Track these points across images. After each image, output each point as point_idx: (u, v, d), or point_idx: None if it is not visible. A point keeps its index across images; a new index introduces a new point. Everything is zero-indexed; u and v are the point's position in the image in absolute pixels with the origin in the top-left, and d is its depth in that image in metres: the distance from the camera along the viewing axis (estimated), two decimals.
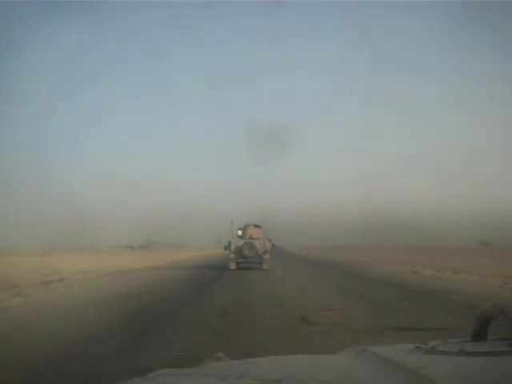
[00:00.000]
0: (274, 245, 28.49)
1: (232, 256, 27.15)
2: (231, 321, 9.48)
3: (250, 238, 27.30)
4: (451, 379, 1.00)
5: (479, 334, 1.32)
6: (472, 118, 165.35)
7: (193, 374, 1.20)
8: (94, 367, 5.95)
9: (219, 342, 7.28)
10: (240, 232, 27.84)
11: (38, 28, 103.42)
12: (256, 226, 28.08)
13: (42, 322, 9.80)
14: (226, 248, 27.94)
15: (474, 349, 1.19)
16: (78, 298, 14.53)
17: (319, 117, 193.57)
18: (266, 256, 27.11)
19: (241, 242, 26.99)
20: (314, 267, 32.99)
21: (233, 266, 26.96)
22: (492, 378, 1.03)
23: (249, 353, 6.21)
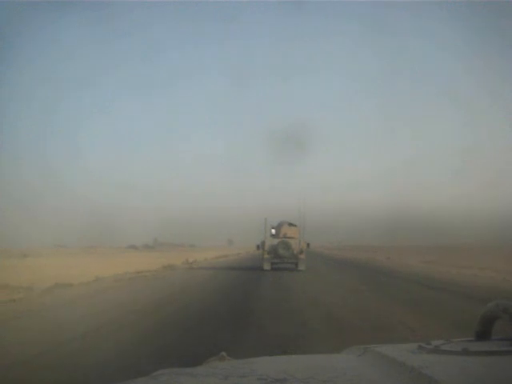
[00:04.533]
0: (308, 245, 27.25)
1: (266, 256, 25.62)
2: None
3: (285, 236, 25.84)
4: (455, 379, 1.00)
5: (483, 334, 1.31)
6: (497, 116, 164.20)
7: (196, 374, 1.20)
8: None
9: None
10: (273, 231, 26.37)
11: (39, 27, 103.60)
12: (291, 224, 26.66)
13: None
14: (258, 248, 26.84)
15: (478, 348, 1.18)
16: None
17: (342, 117, 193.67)
18: (302, 256, 25.58)
19: (275, 242, 25.43)
20: None
21: (267, 266, 25.54)
22: (496, 378, 1.03)
23: None
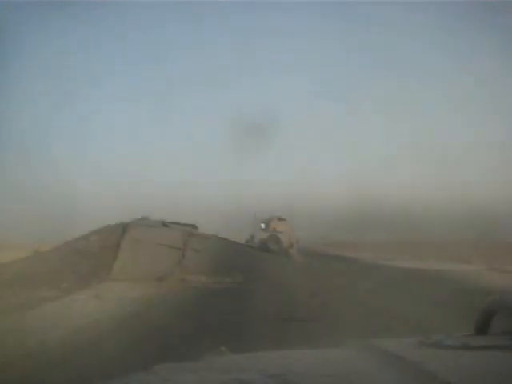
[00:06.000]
0: (298, 241, 26.69)
1: None
2: None
3: (274, 231, 25.56)
4: (455, 373, 1.00)
5: (482, 328, 1.32)
6: (497, 116, 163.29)
7: (196, 368, 1.20)
8: None
9: None
10: (263, 225, 26.16)
11: (38, 27, 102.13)
12: (280, 218, 26.38)
13: None
14: (247, 241, 26.28)
15: (478, 343, 1.19)
16: None
17: (340, 115, 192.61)
18: (292, 250, 25.33)
19: (265, 235, 25.25)
20: None
21: None
22: (495, 372, 1.03)
23: None
